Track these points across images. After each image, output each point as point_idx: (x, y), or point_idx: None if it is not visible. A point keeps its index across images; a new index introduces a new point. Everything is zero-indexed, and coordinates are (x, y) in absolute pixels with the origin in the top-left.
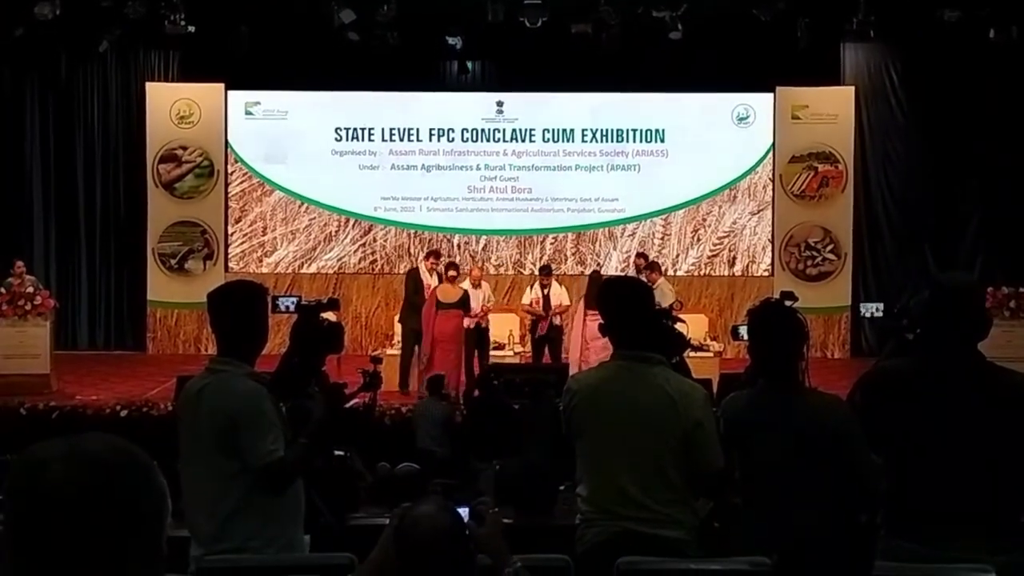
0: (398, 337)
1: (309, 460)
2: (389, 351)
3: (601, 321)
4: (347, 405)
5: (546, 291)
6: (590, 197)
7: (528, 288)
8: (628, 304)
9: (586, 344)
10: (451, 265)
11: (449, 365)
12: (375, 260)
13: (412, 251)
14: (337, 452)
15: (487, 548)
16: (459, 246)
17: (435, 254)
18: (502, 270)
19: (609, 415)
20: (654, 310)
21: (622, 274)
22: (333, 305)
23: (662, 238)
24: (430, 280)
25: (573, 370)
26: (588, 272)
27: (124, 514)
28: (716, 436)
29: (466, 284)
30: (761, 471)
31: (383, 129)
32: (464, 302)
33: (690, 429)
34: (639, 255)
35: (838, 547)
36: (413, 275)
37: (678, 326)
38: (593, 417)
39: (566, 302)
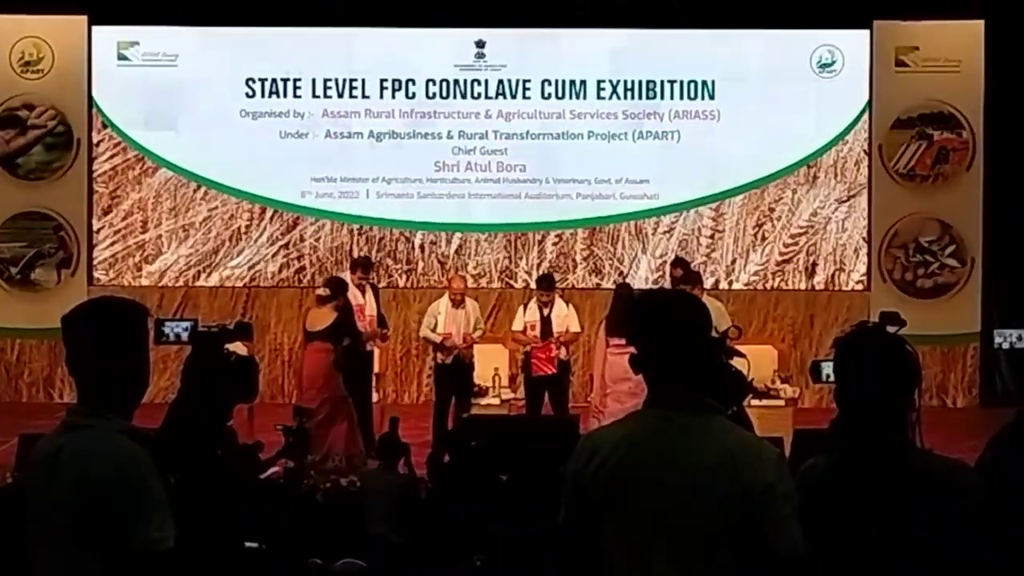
0: None
1: (204, 548)
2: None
3: (631, 352)
4: (263, 475)
5: (547, 312)
6: (609, 178)
7: (521, 308)
8: (675, 327)
9: (608, 387)
10: (332, 281)
11: (324, 426)
12: (302, 268)
13: (355, 254)
14: (249, 544)
15: None
16: (422, 247)
17: (363, 265)
18: (484, 282)
19: (644, 486)
20: (710, 338)
21: (661, 287)
22: (243, 332)
23: (711, 237)
24: (359, 299)
25: (590, 425)
26: (608, 284)
27: None
28: (793, 513)
29: (444, 303)
30: (853, 568)
31: (315, 80)
32: (335, 331)
33: (757, 502)
34: (676, 262)
35: None
36: (334, 282)
37: (735, 362)
38: (619, 490)
39: (575, 328)
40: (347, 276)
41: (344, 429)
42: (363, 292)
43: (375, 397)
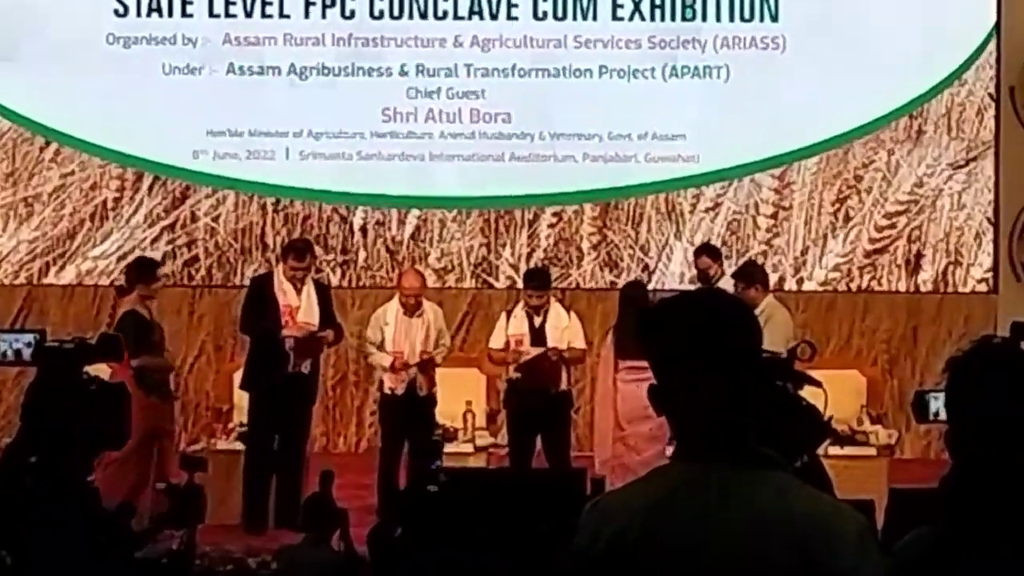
0: (242, 415)
1: None
2: (222, 444)
3: (650, 382)
4: (139, 553)
5: (539, 321)
6: (629, 133)
7: (503, 316)
8: (710, 346)
9: (622, 429)
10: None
11: (115, 474)
12: (194, 258)
13: (268, 240)
14: None
15: None
16: (364, 230)
17: (299, 249)
18: (452, 279)
19: (678, 569)
20: (770, 359)
21: (692, 287)
22: (110, 349)
23: (773, 216)
24: (293, 299)
25: (607, 483)
26: (622, 283)
27: None
28: None
29: (393, 309)
30: None
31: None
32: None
33: None
34: (704, 250)
35: None
36: (259, 289)
37: (806, 392)
38: (644, 565)
39: (579, 343)
40: (277, 268)
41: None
42: (298, 289)
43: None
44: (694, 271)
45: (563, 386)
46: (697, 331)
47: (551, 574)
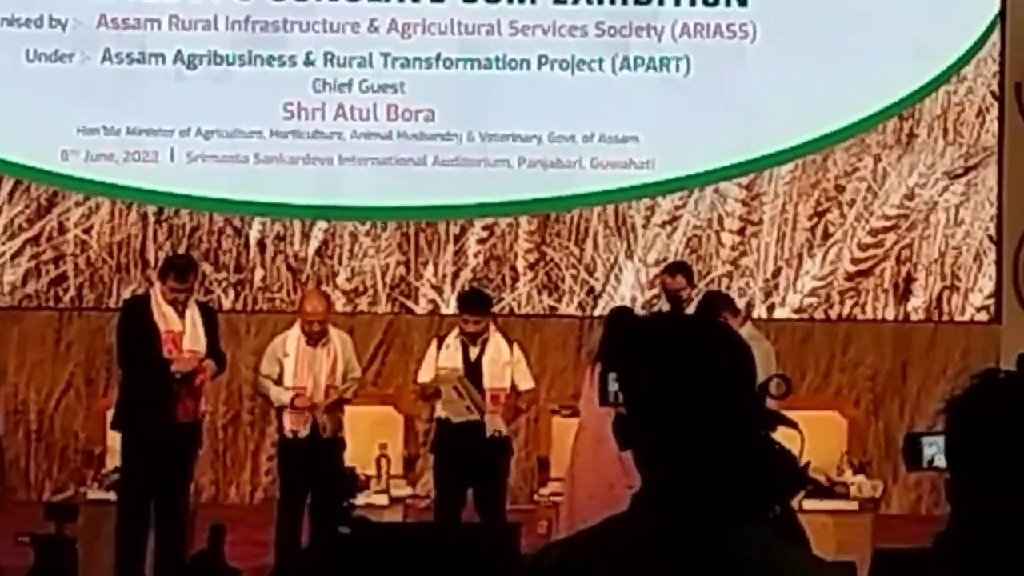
0: (115, 461)
1: None
2: (93, 493)
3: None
4: None
5: (475, 352)
6: (572, 134)
7: (434, 344)
8: (697, 376)
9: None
10: None
11: None
12: (62, 277)
13: (150, 256)
14: None
15: None
16: (261, 244)
17: (179, 268)
18: (364, 302)
19: None
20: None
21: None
22: None
23: (740, 232)
24: (175, 324)
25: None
26: (570, 308)
27: None
28: None
29: (294, 338)
30: None
31: None
32: None
33: None
34: (675, 268)
35: None
36: (135, 313)
37: (780, 435)
38: None
39: (527, 383)
40: (154, 288)
41: None
42: (180, 312)
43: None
44: (648, 294)
45: (499, 431)
46: (672, 361)
47: None
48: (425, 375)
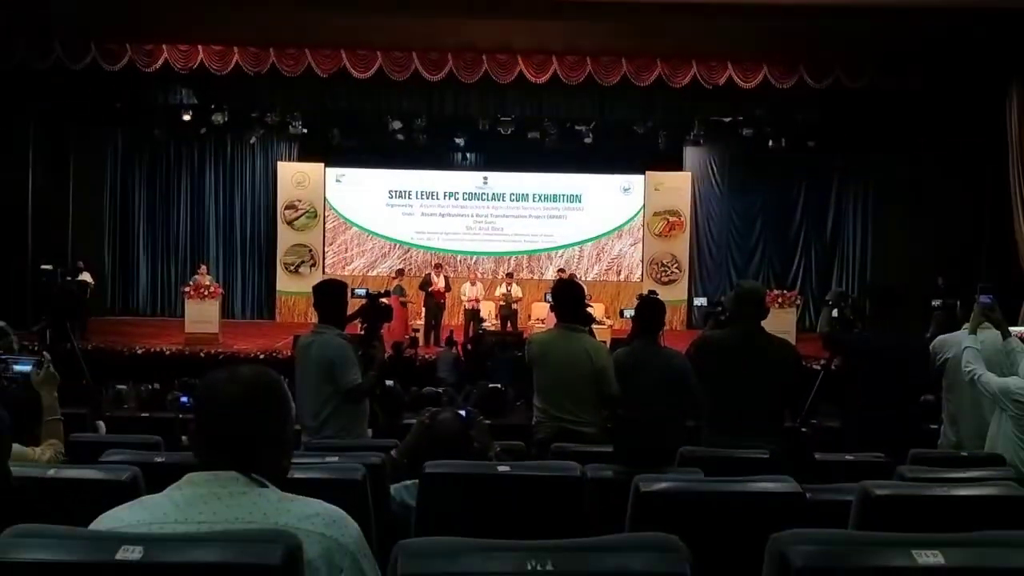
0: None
1: (374, 386)
2: (419, 322)
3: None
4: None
5: (509, 288)
6: (537, 234)
7: (500, 285)
8: (568, 295)
9: None
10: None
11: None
12: (411, 268)
13: (431, 264)
14: (388, 382)
15: (480, 439)
16: (461, 260)
17: (438, 265)
18: (485, 275)
19: (554, 359)
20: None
21: (566, 278)
22: (387, 295)
23: (578, 259)
24: (436, 280)
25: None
26: (549, 277)
27: (261, 412)
28: (612, 374)
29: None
30: (637, 395)
31: (416, 191)
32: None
33: (598, 370)
34: (560, 270)
35: (676, 433)
36: (427, 276)
37: (590, 310)
38: (544, 358)
39: (519, 295)
40: (432, 271)
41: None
42: (437, 277)
43: None
44: (558, 276)
45: (514, 307)
46: (564, 290)
47: None
48: (497, 293)
